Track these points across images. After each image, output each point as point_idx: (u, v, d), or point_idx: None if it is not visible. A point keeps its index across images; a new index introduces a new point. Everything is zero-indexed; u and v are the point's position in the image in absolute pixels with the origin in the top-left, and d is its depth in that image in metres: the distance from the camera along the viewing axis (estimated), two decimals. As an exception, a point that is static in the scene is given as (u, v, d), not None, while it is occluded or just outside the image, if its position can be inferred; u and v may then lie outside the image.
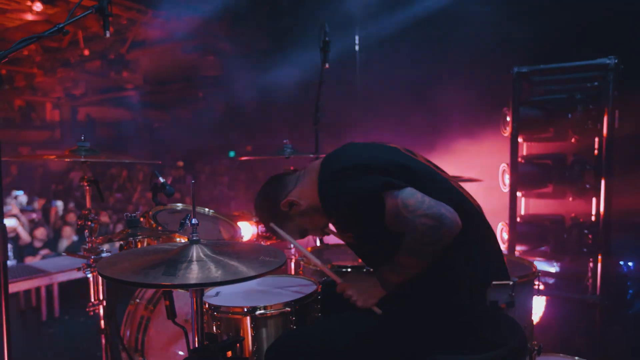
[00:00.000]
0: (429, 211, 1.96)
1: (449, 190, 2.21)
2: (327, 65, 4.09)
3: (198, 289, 1.99)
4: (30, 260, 7.01)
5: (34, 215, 8.66)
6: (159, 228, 2.98)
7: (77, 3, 2.41)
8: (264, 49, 8.12)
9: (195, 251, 1.96)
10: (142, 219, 3.08)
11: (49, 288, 5.98)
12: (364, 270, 3.18)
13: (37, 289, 5.91)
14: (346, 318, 2.30)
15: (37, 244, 7.47)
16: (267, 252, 2.11)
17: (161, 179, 3.21)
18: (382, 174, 2.10)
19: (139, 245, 2.86)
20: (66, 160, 2.95)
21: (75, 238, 7.62)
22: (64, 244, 7.52)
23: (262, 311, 2.48)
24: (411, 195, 2.00)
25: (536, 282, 3.19)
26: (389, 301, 2.23)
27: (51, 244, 7.63)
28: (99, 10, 2.55)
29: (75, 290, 6.40)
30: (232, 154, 10.73)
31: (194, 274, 1.80)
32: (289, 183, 2.43)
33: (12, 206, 8.75)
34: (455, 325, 2.17)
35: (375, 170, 2.12)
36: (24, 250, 7.33)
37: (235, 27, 9.05)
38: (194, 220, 1.99)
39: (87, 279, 3.04)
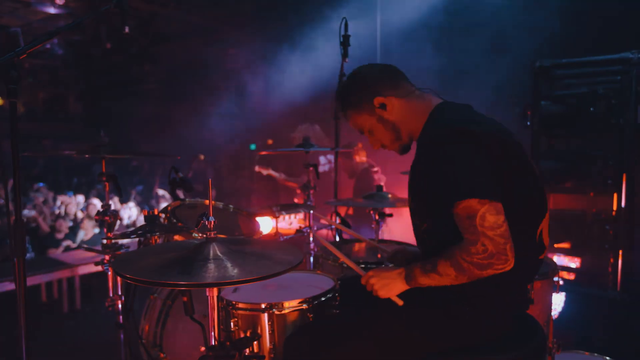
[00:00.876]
0: (496, 239, 1.84)
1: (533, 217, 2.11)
2: (347, 60, 4.03)
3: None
4: (52, 253, 7.06)
5: (56, 208, 8.74)
6: (178, 224, 2.95)
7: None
8: (285, 42, 8.08)
9: (212, 249, 1.92)
10: (161, 215, 3.06)
11: (70, 280, 6.01)
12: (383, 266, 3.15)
13: (59, 281, 5.94)
14: (366, 314, 2.25)
15: (59, 236, 7.52)
16: (284, 250, 2.08)
17: (180, 174, 3.18)
18: (499, 158, 1.95)
19: (158, 241, 2.84)
20: (86, 156, 2.93)
21: (96, 230, 7.66)
22: (85, 236, 7.57)
23: (279, 308, 2.45)
24: (495, 213, 1.86)
25: (556, 279, 3.12)
26: (413, 294, 2.16)
27: (73, 236, 7.68)
28: (118, 5, 2.51)
29: (97, 283, 6.43)
30: (253, 146, 10.69)
31: (210, 273, 1.76)
32: (401, 87, 2.24)
33: (35, 198, 8.84)
34: (478, 325, 2.10)
35: (496, 156, 1.95)
36: (46, 242, 7.38)
37: (256, 20, 9.01)
38: (210, 218, 1.95)
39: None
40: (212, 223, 1.96)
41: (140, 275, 1.74)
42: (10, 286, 5.20)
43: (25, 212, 7.58)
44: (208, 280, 1.72)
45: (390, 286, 2.12)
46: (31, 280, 5.44)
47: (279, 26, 8.56)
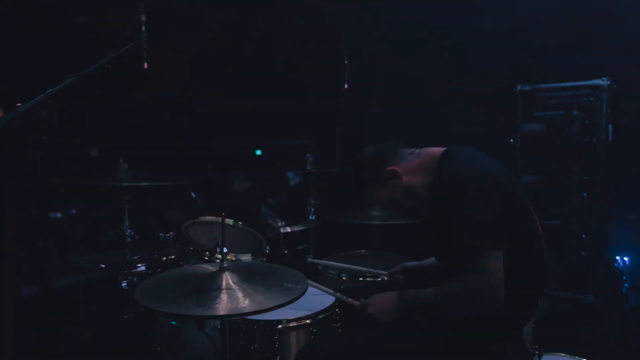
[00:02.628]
0: (492, 281, 1.85)
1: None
2: (346, 86, 4.05)
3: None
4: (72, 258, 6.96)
5: (74, 211, 8.64)
6: (192, 244, 2.96)
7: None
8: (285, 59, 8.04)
9: (225, 279, 1.92)
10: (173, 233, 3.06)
11: (87, 283, 5.94)
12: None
13: (76, 284, 5.87)
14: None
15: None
16: (291, 277, 2.07)
17: (193, 194, 3.20)
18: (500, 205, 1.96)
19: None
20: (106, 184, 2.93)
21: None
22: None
23: (285, 324, 2.46)
24: (495, 257, 1.87)
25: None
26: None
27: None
28: (138, 45, 2.54)
29: (113, 287, 6.34)
30: (258, 152, 10.55)
31: (223, 304, 1.77)
32: (402, 154, 2.29)
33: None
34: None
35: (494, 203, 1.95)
36: (67, 248, 7.28)
37: (259, 31, 8.88)
38: (224, 250, 1.96)
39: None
40: (225, 255, 1.96)
41: (160, 308, 1.75)
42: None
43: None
44: (221, 312, 1.73)
45: (384, 313, 2.12)
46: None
47: (285, 40, 8.46)
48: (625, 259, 4.99)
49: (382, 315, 2.13)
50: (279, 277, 2.06)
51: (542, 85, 4.62)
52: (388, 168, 2.24)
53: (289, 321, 2.47)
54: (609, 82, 4.33)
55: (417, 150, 2.30)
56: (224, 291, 1.85)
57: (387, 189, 2.29)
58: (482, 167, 2.09)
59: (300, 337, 2.49)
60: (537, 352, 3.06)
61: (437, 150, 2.25)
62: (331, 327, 2.58)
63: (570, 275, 4.68)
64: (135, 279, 2.89)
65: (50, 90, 2.04)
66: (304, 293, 1.92)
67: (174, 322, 2.92)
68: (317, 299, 2.75)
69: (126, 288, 2.94)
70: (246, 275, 2.01)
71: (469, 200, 1.94)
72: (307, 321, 2.50)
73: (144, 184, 3.00)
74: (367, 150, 2.37)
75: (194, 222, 3.28)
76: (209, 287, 1.88)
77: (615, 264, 4.98)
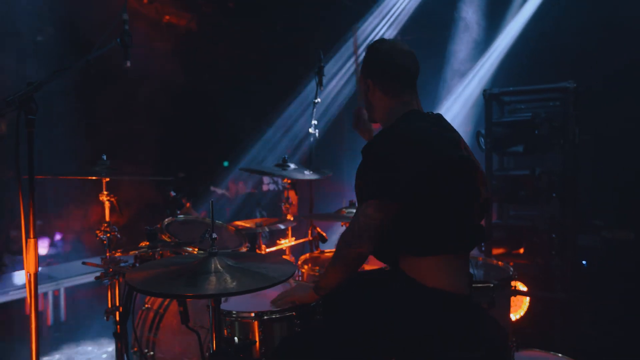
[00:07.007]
0: (363, 224, 2.04)
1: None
2: (321, 88, 4.10)
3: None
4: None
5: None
6: (174, 239, 2.99)
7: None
8: (260, 66, 8.14)
9: (214, 263, 1.99)
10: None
11: (55, 293, 5.86)
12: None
13: (45, 294, 5.79)
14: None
15: (41, 251, 7.30)
16: (278, 264, 2.14)
17: (173, 193, 3.24)
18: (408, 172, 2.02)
19: (157, 257, 2.87)
20: (90, 177, 2.94)
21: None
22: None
23: (269, 315, 2.51)
24: (377, 208, 2.02)
25: (513, 283, 3.24)
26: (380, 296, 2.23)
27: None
28: (121, 42, 2.58)
29: (82, 296, 6.25)
30: (226, 163, 10.56)
31: (212, 285, 1.83)
32: (392, 89, 2.30)
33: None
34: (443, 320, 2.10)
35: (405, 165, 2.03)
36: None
37: (232, 46, 8.96)
38: (213, 235, 2.02)
39: (92, 284, 2.98)
40: (215, 240, 2.02)
41: (151, 288, 1.80)
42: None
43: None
44: (210, 292, 1.79)
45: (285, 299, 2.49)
46: (16, 294, 5.21)
47: (254, 50, 8.55)
48: (584, 262, 5.20)
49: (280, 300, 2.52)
50: (265, 263, 2.13)
51: (511, 88, 4.78)
52: (369, 80, 2.32)
53: (272, 312, 2.52)
54: (575, 85, 4.48)
55: (407, 99, 2.31)
56: (213, 274, 1.91)
57: (362, 82, 2.39)
58: (419, 140, 2.12)
59: (284, 328, 2.54)
60: (514, 345, 3.18)
61: (404, 108, 2.29)
62: (314, 319, 2.64)
63: (543, 274, 4.82)
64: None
65: (37, 82, 2.08)
66: (290, 277, 1.99)
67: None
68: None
69: (107, 284, 2.94)
70: (234, 261, 2.08)
71: (380, 157, 2.11)
72: (293, 313, 2.55)
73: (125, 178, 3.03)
74: (387, 54, 2.31)
75: (174, 220, 3.31)
76: (199, 270, 1.94)
77: (581, 267, 5.18)
